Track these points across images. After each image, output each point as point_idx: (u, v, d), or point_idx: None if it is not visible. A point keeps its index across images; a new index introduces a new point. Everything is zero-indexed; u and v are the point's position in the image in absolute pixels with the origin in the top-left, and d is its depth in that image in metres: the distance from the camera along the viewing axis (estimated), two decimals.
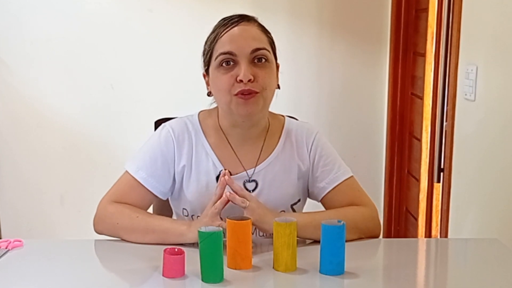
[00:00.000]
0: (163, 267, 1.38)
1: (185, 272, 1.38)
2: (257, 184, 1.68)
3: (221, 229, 1.37)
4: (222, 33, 1.61)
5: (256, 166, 1.68)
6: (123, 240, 1.62)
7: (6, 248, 1.54)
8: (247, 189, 1.66)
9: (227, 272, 1.39)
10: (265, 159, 1.69)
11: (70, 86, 3.35)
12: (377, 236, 1.67)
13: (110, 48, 3.33)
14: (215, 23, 1.66)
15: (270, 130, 1.72)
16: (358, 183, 1.73)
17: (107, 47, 3.33)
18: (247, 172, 1.68)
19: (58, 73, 3.34)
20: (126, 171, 1.69)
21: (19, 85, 3.35)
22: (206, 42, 1.66)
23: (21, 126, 3.38)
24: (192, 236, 1.54)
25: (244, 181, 1.67)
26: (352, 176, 1.73)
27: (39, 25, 3.30)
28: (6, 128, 3.38)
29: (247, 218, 1.45)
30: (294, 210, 1.72)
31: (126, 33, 3.32)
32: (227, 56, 1.58)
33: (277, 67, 1.69)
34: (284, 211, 1.69)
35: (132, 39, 3.33)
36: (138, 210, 1.64)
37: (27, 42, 3.30)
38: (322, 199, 1.73)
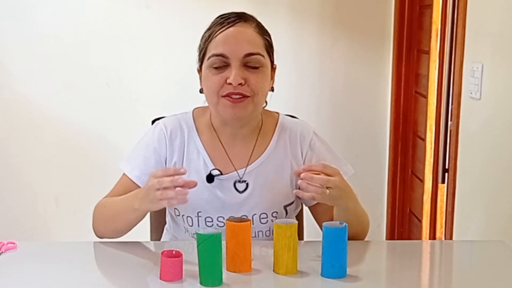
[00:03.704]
0: (161, 270, 1.36)
1: (183, 276, 1.36)
2: (247, 185, 1.65)
3: (220, 231, 1.34)
4: (217, 33, 1.59)
5: (247, 166, 1.66)
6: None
7: None
8: (237, 190, 1.64)
9: (226, 275, 1.38)
10: (256, 159, 1.67)
11: (65, 84, 3.32)
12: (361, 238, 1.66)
13: (106, 45, 3.30)
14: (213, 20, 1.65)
15: (263, 128, 1.70)
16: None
17: (103, 45, 3.30)
18: (237, 172, 1.66)
19: (53, 71, 3.31)
20: (124, 172, 1.68)
21: (13, 84, 3.31)
22: (201, 38, 1.65)
23: (15, 125, 3.35)
24: (143, 208, 1.51)
25: (235, 182, 1.65)
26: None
27: (34, 23, 3.26)
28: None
29: (246, 220, 1.43)
30: (287, 212, 1.69)
31: (123, 31, 3.30)
32: (219, 58, 1.57)
33: (274, 68, 1.67)
34: (277, 212, 1.66)
35: (128, 36, 3.30)
36: (110, 199, 1.63)
37: (21, 40, 3.27)
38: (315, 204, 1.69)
